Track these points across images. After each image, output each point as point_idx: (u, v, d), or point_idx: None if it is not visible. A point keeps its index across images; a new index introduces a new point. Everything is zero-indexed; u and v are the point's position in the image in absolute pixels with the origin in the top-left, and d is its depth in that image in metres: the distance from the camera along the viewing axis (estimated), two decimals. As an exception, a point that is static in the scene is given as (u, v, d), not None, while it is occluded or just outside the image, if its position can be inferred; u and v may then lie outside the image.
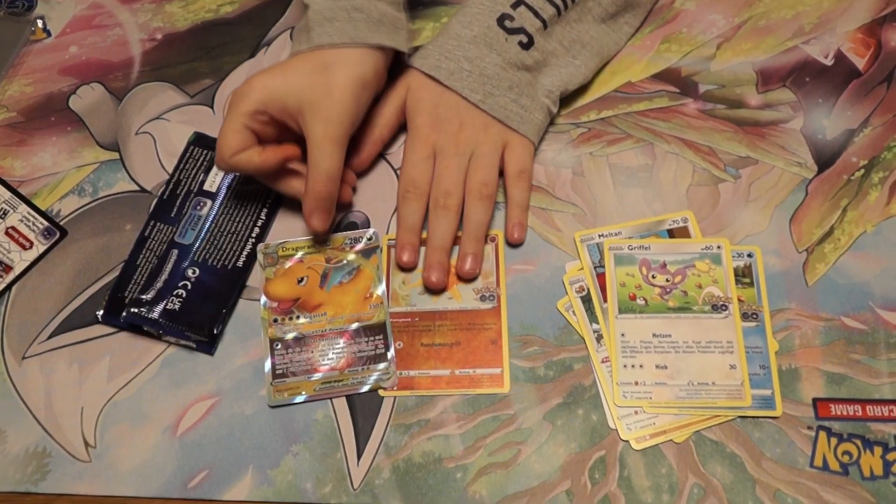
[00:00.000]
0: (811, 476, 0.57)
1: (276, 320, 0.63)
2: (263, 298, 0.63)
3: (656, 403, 0.59)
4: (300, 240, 0.66)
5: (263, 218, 0.66)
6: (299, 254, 0.65)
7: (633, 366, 0.60)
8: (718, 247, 0.64)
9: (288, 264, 0.65)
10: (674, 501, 0.56)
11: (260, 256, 0.65)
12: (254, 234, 0.65)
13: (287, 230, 0.67)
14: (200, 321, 0.62)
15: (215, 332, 0.62)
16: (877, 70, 0.71)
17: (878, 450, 0.57)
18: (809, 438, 0.58)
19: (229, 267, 0.64)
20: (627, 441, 0.58)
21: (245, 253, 0.65)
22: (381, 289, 0.63)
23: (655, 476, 0.57)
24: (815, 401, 0.59)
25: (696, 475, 0.57)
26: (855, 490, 0.56)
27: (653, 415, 0.58)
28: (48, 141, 0.71)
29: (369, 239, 0.65)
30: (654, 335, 0.61)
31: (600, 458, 0.58)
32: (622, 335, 0.61)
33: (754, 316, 0.61)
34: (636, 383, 0.59)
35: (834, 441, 0.57)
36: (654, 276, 0.63)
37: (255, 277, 0.65)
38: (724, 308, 0.61)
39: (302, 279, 0.64)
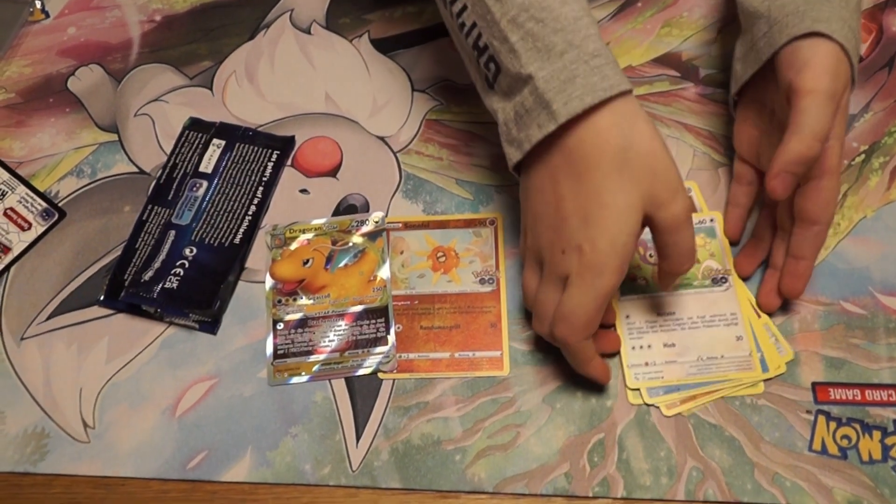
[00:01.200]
0: (810, 460, 0.57)
1: (279, 301, 0.63)
2: (269, 279, 0.63)
3: (669, 382, 0.59)
4: (307, 222, 0.66)
5: (259, 196, 0.66)
6: (306, 236, 0.65)
7: (641, 346, 0.60)
8: (711, 220, 0.64)
9: (294, 246, 0.65)
10: (672, 484, 0.56)
11: (267, 238, 0.65)
12: (250, 212, 0.65)
13: (285, 207, 0.67)
14: (199, 298, 0.61)
15: (215, 308, 0.62)
16: (878, 55, 0.71)
17: (876, 434, 0.57)
18: (808, 422, 0.58)
19: (226, 244, 0.64)
20: (657, 406, 0.58)
21: (242, 230, 0.65)
22: (385, 272, 0.63)
23: (654, 459, 0.57)
24: (815, 385, 0.59)
25: (694, 458, 0.57)
26: (853, 474, 0.56)
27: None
28: (46, 122, 0.71)
29: (376, 222, 0.65)
30: (659, 314, 0.61)
31: (599, 441, 0.58)
32: (627, 317, 0.61)
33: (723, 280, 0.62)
34: (646, 364, 0.59)
35: (833, 425, 0.57)
36: (651, 256, 0.62)
37: (256, 259, 0.65)
38: (723, 280, 0.61)
39: (307, 261, 0.64)
